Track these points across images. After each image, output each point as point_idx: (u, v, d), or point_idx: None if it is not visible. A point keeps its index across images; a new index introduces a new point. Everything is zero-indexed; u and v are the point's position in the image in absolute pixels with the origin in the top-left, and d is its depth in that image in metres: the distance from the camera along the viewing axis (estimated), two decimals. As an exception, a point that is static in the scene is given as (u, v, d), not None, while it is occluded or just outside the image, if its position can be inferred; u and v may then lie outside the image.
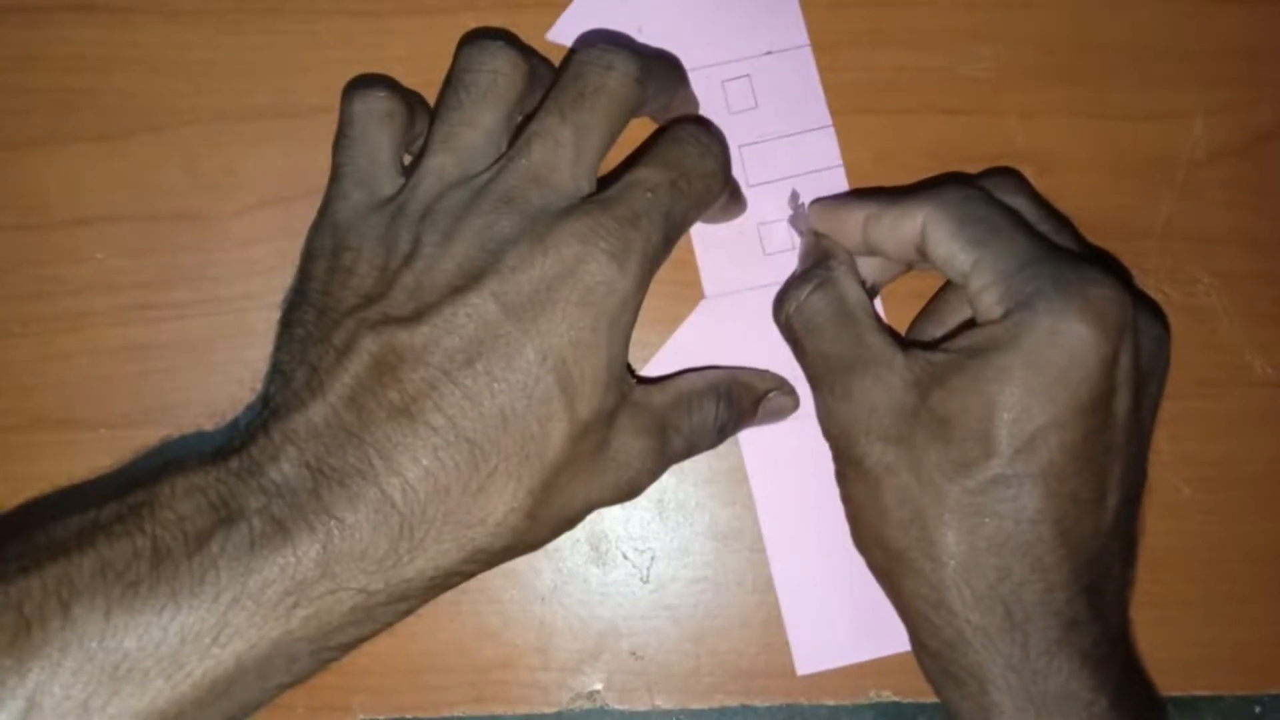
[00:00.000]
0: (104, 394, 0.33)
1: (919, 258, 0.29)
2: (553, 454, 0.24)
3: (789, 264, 0.33)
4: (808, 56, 0.34)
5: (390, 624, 0.25)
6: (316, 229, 0.28)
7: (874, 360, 0.28)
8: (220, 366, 0.33)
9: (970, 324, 0.28)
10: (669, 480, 0.33)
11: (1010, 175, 0.32)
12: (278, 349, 0.26)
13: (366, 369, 0.24)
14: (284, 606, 0.22)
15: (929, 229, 0.28)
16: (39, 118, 0.34)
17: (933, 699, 0.33)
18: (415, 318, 0.24)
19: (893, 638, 0.32)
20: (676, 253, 0.33)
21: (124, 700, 0.21)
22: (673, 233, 0.27)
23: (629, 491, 0.27)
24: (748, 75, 0.33)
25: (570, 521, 0.27)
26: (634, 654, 0.33)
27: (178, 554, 0.22)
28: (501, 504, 0.24)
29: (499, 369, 0.24)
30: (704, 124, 0.29)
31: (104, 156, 0.34)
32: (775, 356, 0.33)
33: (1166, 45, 0.34)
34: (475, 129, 0.27)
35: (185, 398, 0.33)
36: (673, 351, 0.33)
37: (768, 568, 0.33)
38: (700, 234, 0.33)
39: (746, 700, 0.33)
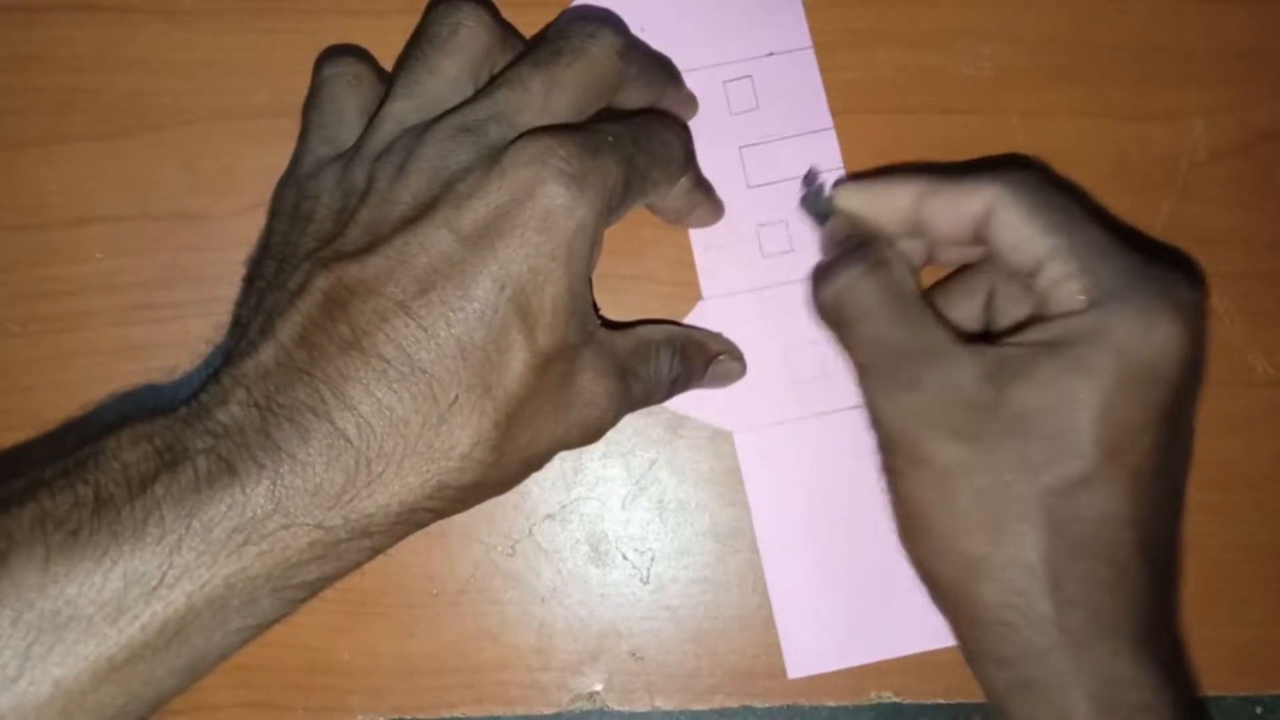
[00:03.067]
0: (104, 394, 0.33)
1: (969, 241, 0.28)
2: (515, 384, 0.24)
3: (787, 266, 0.33)
4: (810, 58, 0.33)
5: (359, 562, 0.24)
6: (281, 184, 0.28)
7: (938, 350, 0.26)
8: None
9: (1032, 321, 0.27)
10: (669, 480, 0.33)
11: (1049, 170, 0.31)
12: (239, 303, 0.26)
13: (317, 306, 0.24)
14: (233, 544, 0.22)
15: (1000, 209, 0.26)
16: (39, 117, 0.34)
17: (934, 700, 0.33)
18: (366, 250, 0.24)
19: (884, 643, 0.32)
20: (675, 252, 0.33)
21: (68, 646, 0.20)
22: (633, 181, 0.26)
23: (594, 433, 0.27)
24: (749, 76, 0.33)
25: (538, 459, 0.26)
26: (634, 655, 0.33)
27: (119, 499, 0.21)
28: (466, 436, 0.24)
29: (454, 298, 0.23)
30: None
31: (104, 156, 0.34)
32: (771, 358, 0.33)
33: (1168, 44, 0.34)
34: (437, 76, 0.26)
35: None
36: None
37: (768, 568, 0.33)
38: (698, 235, 0.33)
39: (746, 701, 0.33)
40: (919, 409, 0.26)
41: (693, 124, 0.33)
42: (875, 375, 0.27)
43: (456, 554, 0.33)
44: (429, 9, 0.28)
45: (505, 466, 0.25)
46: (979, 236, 0.27)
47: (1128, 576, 0.25)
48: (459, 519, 0.33)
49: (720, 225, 0.33)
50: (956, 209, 0.27)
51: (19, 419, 0.33)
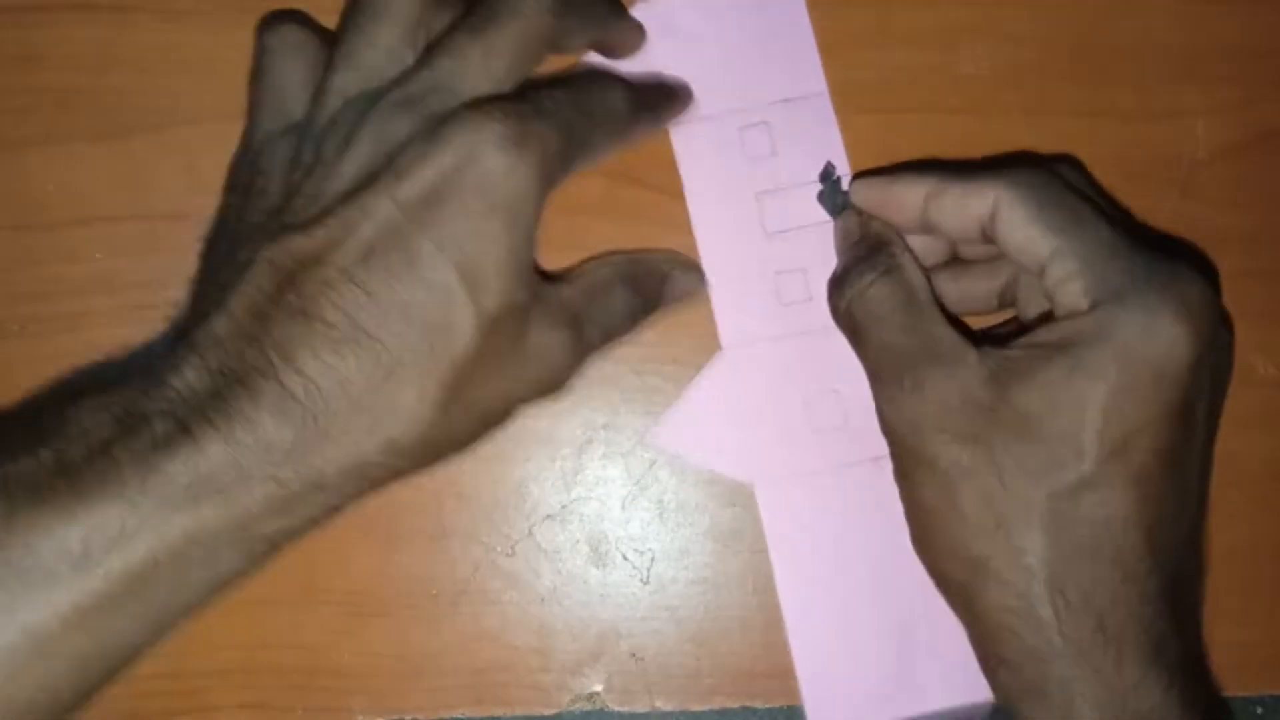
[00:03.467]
0: (103, 394, 0.33)
1: (979, 240, 0.28)
2: (461, 345, 0.24)
3: (806, 314, 0.32)
4: (826, 104, 0.33)
5: (318, 519, 0.25)
6: (235, 161, 0.28)
7: (946, 353, 0.26)
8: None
9: (1035, 317, 0.27)
10: (669, 480, 0.33)
11: (1076, 164, 0.31)
12: (194, 279, 0.27)
13: (266, 277, 0.24)
14: (189, 496, 0.23)
15: (1003, 210, 0.26)
16: (38, 118, 0.34)
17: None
18: (312, 222, 0.24)
19: (911, 700, 0.32)
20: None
21: (34, 595, 0.21)
22: (574, 144, 0.26)
23: (550, 385, 0.27)
24: (765, 122, 0.33)
25: (494, 416, 0.27)
26: (634, 655, 0.33)
27: (79, 461, 0.22)
28: (409, 394, 0.24)
29: (397, 264, 0.24)
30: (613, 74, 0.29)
31: (104, 156, 0.34)
32: (794, 406, 0.32)
33: (1169, 44, 0.34)
34: (374, 47, 0.27)
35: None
36: (690, 403, 0.33)
37: (768, 569, 0.33)
38: (716, 284, 0.33)
39: (747, 702, 0.33)
40: (923, 412, 0.26)
41: (709, 171, 0.33)
42: (884, 380, 0.27)
43: (456, 554, 0.33)
44: None
45: (455, 425, 0.26)
46: (987, 237, 0.27)
47: (1136, 580, 0.25)
48: (459, 519, 0.33)
49: (738, 273, 0.33)
50: (963, 209, 0.27)
51: (19, 419, 0.33)
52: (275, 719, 0.33)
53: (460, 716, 0.33)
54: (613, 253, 0.32)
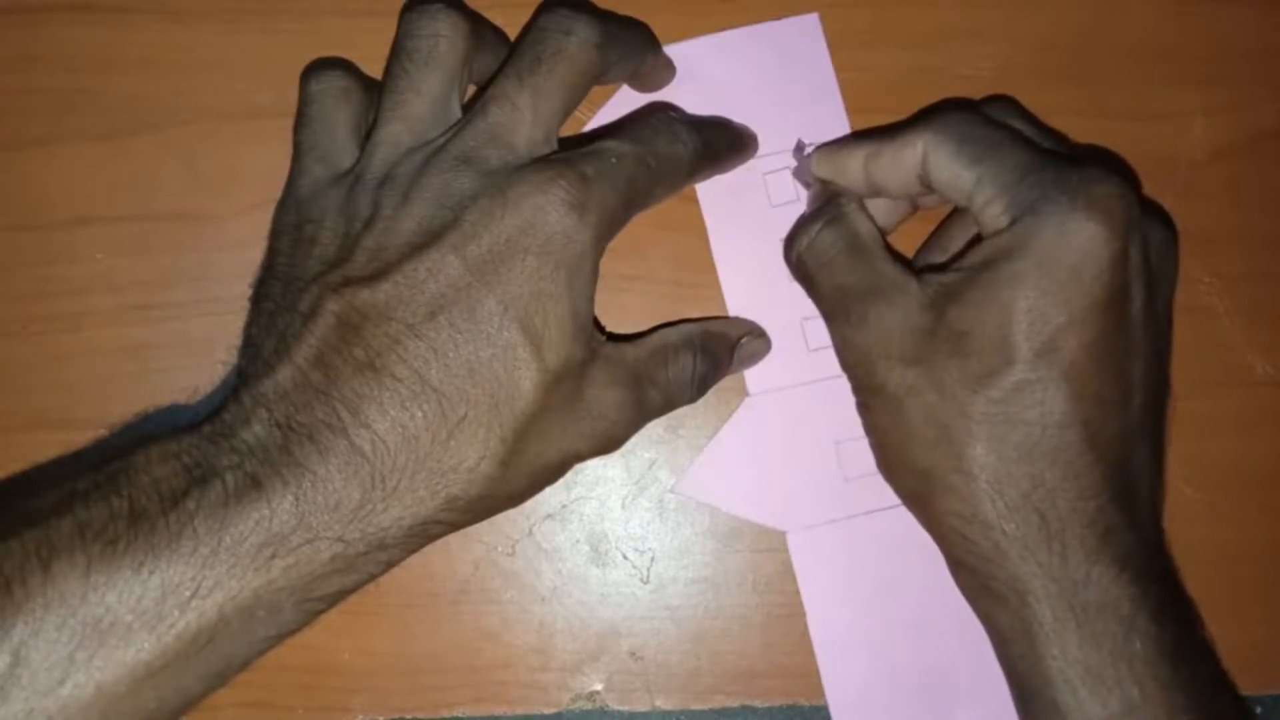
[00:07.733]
0: (104, 394, 0.33)
1: (922, 189, 0.29)
2: (524, 402, 0.25)
3: (833, 360, 0.32)
4: None
5: (375, 575, 0.25)
6: (281, 206, 0.28)
7: (888, 286, 0.28)
8: (220, 366, 0.33)
9: (978, 242, 0.28)
10: (669, 480, 0.33)
11: (1005, 99, 0.32)
12: (249, 324, 0.27)
13: (331, 329, 0.24)
14: (262, 557, 0.22)
15: (930, 154, 0.28)
16: (39, 118, 0.34)
17: (933, 699, 0.33)
18: (376, 276, 0.25)
19: None
20: (675, 252, 0.33)
21: (109, 652, 0.21)
22: (634, 200, 0.27)
23: (605, 443, 0.28)
24: (789, 168, 0.33)
25: (549, 472, 0.27)
26: (634, 655, 0.33)
27: (154, 513, 0.22)
28: (473, 451, 0.24)
29: (461, 321, 0.24)
30: (681, 114, 0.29)
31: (104, 156, 0.34)
32: (823, 453, 0.32)
33: (1167, 45, 0.34)
34: (422, 95, 0.27)
35: (185, 398, 0.33)
36: (718, 451, 0.33)
37: (768, 568, 0.33)
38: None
39: (747, 701, 0.33)
40: (871, 342, 0.28)
41: (733, 217, 0.33)
42: (836, 320, 0.29)
43: (456, 554, 0.33)
44: (404, 18, 0.28)
45: (513, 479, 0.26)
46: (924, 183, 0.29)
47: (1076, 475, 0.26)
48: (459, 519, 0.33)
49: (764, 320, 0.33)
50: (898, 165, 0.29)
51: (19, 419, 0.33)
52: (277, 717, 0.33)
53: (460, 715, 0.33)
54: (684, 320, 0.32)
